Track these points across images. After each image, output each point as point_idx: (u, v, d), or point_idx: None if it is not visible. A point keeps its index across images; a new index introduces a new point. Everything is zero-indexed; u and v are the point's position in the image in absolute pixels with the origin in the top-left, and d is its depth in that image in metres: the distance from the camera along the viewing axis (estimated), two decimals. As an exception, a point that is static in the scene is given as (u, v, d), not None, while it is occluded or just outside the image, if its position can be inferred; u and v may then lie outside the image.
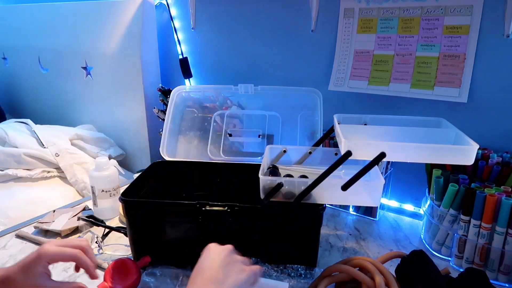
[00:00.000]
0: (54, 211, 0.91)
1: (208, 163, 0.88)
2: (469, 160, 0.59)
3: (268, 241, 0.68)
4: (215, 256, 0.49)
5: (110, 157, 1.33)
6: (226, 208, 0.65)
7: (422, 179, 0.83)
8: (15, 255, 0.76)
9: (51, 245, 0.52)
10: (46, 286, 0.51)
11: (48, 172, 1.22)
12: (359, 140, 0.70)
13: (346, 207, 0.98)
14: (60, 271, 0.70)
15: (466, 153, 0.59)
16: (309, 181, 0.61)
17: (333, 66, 1.01)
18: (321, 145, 0.81)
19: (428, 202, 0.80)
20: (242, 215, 0.65)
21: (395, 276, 0.60)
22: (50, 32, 1.55)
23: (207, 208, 0.65)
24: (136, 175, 0.97)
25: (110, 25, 1.33)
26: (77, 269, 0.57)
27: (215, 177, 0.87)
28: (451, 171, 0.77)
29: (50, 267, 0.53)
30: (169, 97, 0.96)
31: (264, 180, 0.64)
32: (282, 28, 1.09)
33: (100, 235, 0.80)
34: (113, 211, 0.92)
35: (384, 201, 0.98)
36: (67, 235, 0.83)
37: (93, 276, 0.54)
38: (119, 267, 0.65)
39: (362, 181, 0.60)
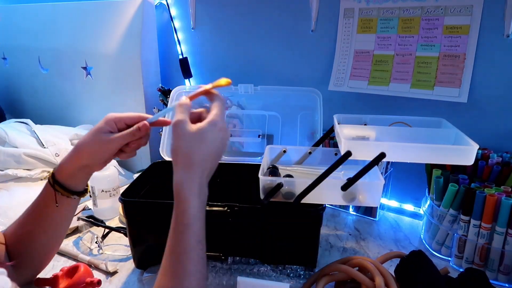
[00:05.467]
0: (54, 211, 0.91)
1: (208, 163, 0.88)
2: (469, 160, 0.59)
3: (268, 241, 0.68)
4: None
5: (110, 157, 1.33)
6: (226, 208, 0.65)
7: (422, 179, 0.83)
8: (15, 255, 0.76)
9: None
10: (110, 138, 0.54)
11: (48, 172, 1.22)
12: (359, 140, 0.70)
13: (346, 207, 0.98)
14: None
15: (466, 153, 0.59)
16: (309, 181, 0.61)
17: (333, 66, 1.01)
18: (321, 145, 0.81)
19: (428, 202, 0.80)
20: (242, 215, 0.65)
21: (394, 276, 0.60)
22: (50, 32, 1.55)
23: (207, 208, 0.65)
24: (136, 175, 0.97)
25: (110, 25, 1.33)
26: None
27: (215, 177, 0.87)
28: (451, 171, 0.77)
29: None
30: (169, 97, 0.96)
31: (264, 180, 0.64)
32: (282, 28, 1.09)
33: (100, 235, 0.80)
34: (113, 211, 0.92)
35: (384, 201, 0.98)
36: (67, 235, 0.83)
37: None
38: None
39: (362, 181, 0.60)
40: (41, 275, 0.69)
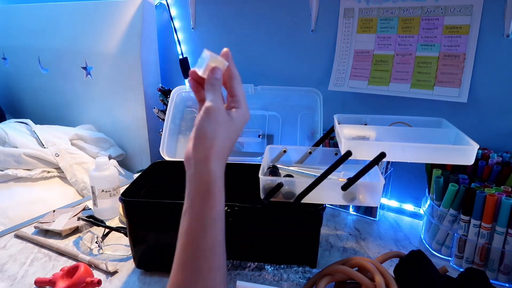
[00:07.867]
0: (54, 211, 0.91)
1: (208, 163, 0.88)
2: (469, 160, 0.59)
3: (268, 241, 0.68)
4: None
5: (110, 157, 1.33)
6: (226, 208, 0.65)
7: (422, 179, 0.83)
8: (15, 255, 0.76)
9: None
10: None
11: (48, 172, 1.22)
12: (359, 140, 0.70)
13: (346, 207, 0.98)
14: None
15: (466, 153, 0.59)
16: (309, 181, 0.61)
17: (333, 66, 1.01)
18: (321, 145, 0.81)
19: (428, 202, 0.80)
20: (242, 215, 0.65)
21: (393, 276, 0.60)
22: (50, 32, 1.55)
23: (207, 208, 0.65)
24: (136, 175, 0.97)
25: (110, 25, 1.33)
26: None
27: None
28: (451, 171, 0.77)
29: None
30: (169, 97, 0.96)
31: (264, 180, 0.64)
32: (282, 28, 1.09)
33: (100, 235, 0.80)
34: (113, 211, 0.92)
35: (384, 201, 0.98)
36: (67, 235, 0.83)
37: None
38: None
39: (362, 181, 0.60)
40: (41, 275, 0.70)
